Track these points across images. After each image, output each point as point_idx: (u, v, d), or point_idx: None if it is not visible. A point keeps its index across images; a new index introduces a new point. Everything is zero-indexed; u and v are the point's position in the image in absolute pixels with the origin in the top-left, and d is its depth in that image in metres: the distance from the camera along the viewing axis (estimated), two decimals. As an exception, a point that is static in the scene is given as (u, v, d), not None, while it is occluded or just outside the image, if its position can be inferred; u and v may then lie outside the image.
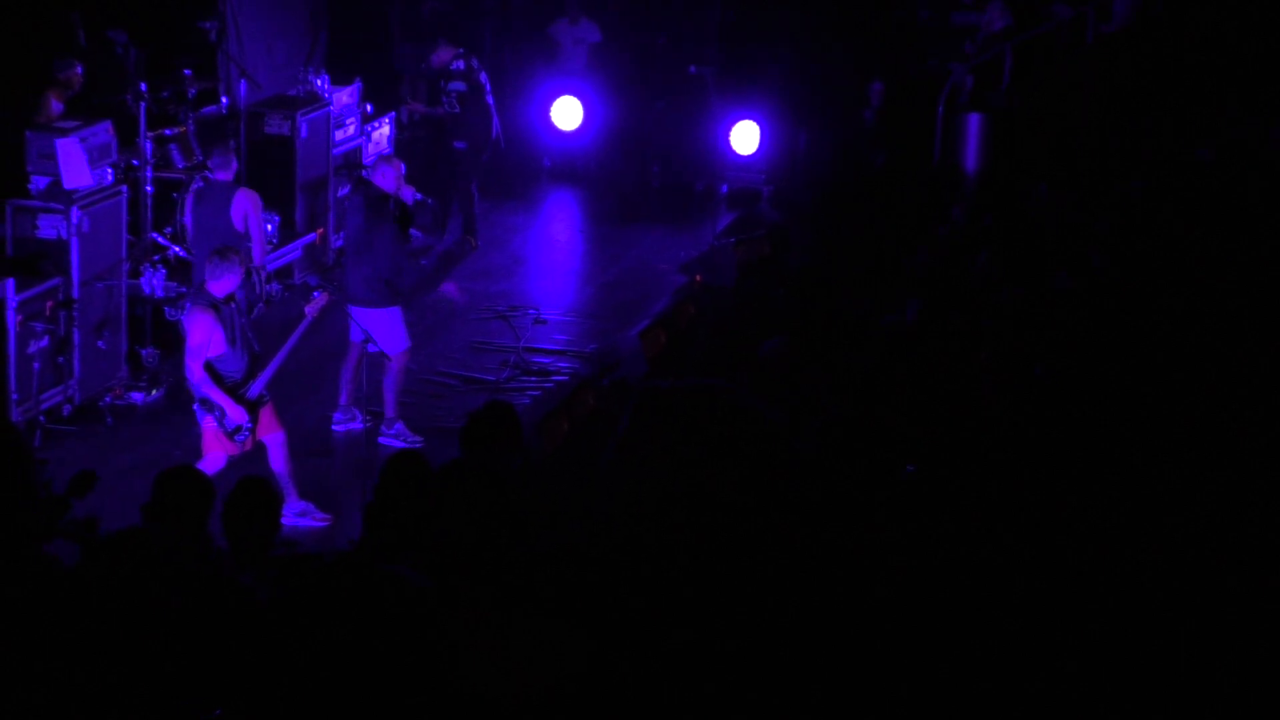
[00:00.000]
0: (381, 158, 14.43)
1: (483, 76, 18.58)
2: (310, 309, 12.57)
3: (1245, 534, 9.84)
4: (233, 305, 12.14)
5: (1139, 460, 10.81)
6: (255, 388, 12.23)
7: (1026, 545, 9.39)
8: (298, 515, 12.40)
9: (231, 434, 12.12)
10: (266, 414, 12.32)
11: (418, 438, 13.68)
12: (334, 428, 14.06)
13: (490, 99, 18.59)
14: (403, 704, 5.85)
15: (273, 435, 12.38)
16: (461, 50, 18.61)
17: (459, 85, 18.55)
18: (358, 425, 13.82)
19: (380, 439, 13.68)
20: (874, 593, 8.18)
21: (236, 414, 12.08)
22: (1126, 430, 11.26)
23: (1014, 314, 13.49)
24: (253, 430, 12.21)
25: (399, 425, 13.83)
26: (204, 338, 11.98)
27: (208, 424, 12.16)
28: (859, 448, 9.50)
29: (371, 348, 13.50)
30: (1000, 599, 8.68)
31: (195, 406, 12.23)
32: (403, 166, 14.01)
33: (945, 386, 11.77)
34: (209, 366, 12.03)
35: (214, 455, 12.16)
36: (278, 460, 12.42)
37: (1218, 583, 9.17)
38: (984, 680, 7.98)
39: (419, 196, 14.16)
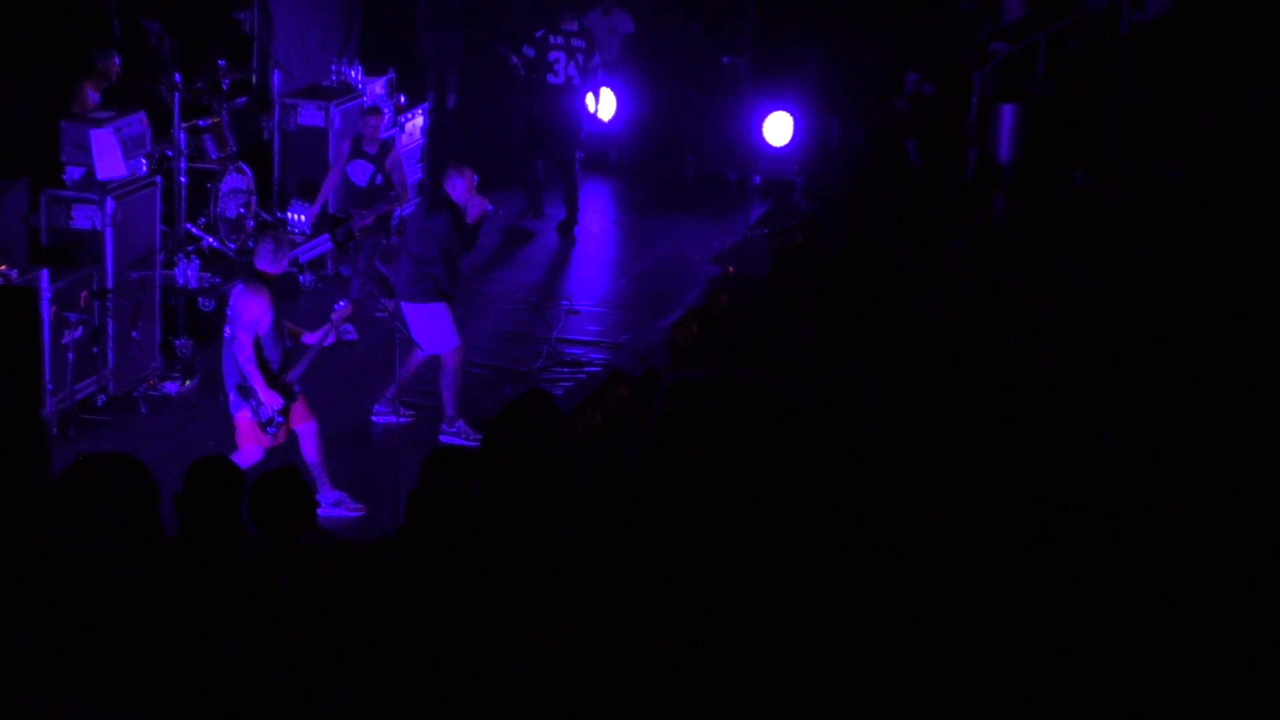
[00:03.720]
0: (453, 165, 14.24)
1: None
2: (335, 316, 12.59)
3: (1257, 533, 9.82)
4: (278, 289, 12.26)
5: (1161, 454, 10.80)
6: (290, 378, 12.26)
7: (1055, 535, 9.39)
8: (331, 505, 12.40)
9: (265, 425, 12.14)
10: (299, 406, 12.35)
11: (479, 435, 13.57)
12: (374, 419, 14.06)
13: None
14: (438, 689, 5.86)
15: (305, 425, 12.41)
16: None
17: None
18: (399, 419, 13.70)
19: (442, 438, 13.63)
20: (897, 579, 8.19)
21: (272, 401, 12.10)
22: (1151, 422, 11.24)
23: (1041, 303, 13.47)
24: (285, 421, 12.24)
25: (460, 424, 13.76)
26: (259, 314, 12.06)
27: (242, 417, 12.19)
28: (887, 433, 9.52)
29: (420, 352, 13.55)
30: (1023, 591, 8.68)
31: (231, 396, 12.25)
32: (475, 177, 13.87)
33: (974, 376, 11.77)
34: (257, 346, 12.08)
35: (250, 449, 12.22)
36: (310, 450, 12.44)
37: (1227, 582, 9.17)
38: (1001, 673, 7.99)
39: (489, 208, 14.05)
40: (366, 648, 6.02)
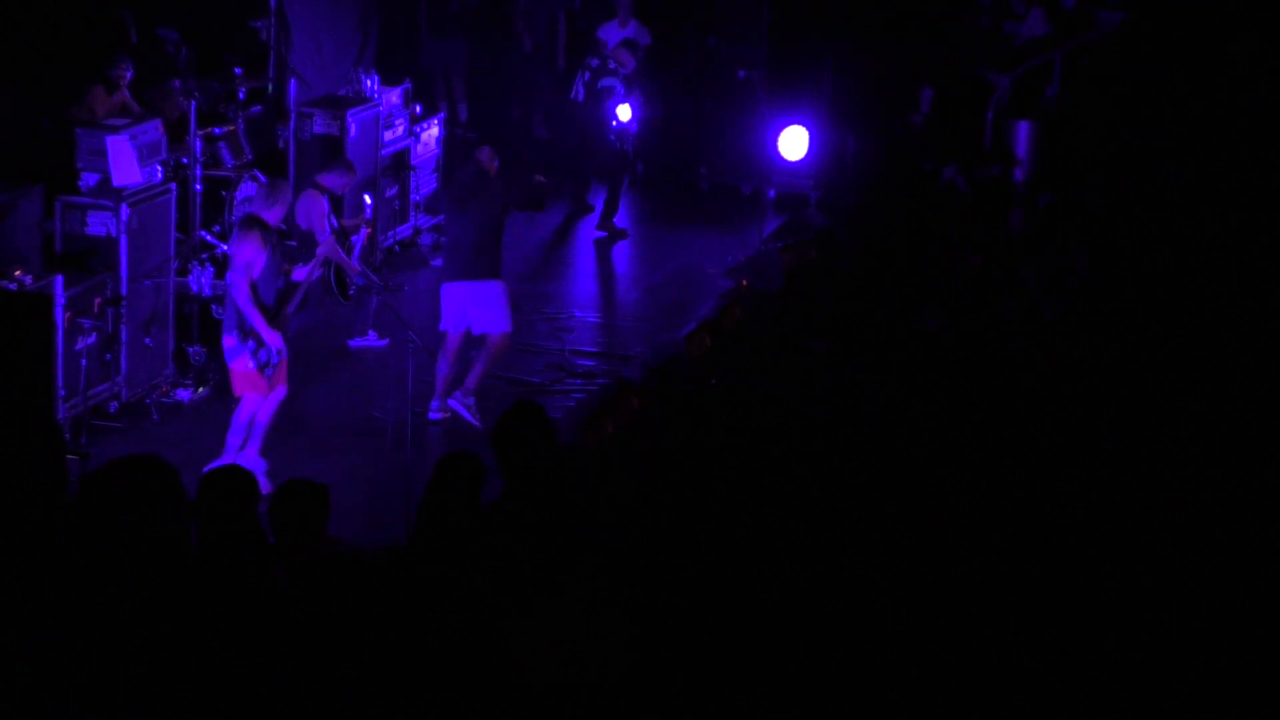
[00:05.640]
0: (476, 151, 14.72)
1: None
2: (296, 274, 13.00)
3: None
4: (274, 238, 12.67)
5: (1161, 454, 10.83)
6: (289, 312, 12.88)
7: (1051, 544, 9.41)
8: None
9: (263, 367, 12.50)
10: (282, 368, 12.77)
11: (478, 423, 13.85)
12: (431, 416, 14.17)
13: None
14: (447, 695, 5.87)
15: (278, 388, 12.79)
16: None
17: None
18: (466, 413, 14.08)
19: (452, 402, 14.02)
20: (899, 582, 8.21)
21: (273, 340, 12.54)
22: (1151, 423, 11.27)
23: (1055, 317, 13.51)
24: (280, 363, 12.66)
25: (473, 400, 14.07)
26: (251, 255, 12.45)
27: (240, 364, 12.56)
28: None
29: (465, 326, 14.03)
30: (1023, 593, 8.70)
31: (230, 342, 12.58)
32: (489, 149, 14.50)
33: (981, 389, 11.80)
34: (253, 288, 12.44)
35: (249, 398, 12.66)
36: (267, 412, 12.77)
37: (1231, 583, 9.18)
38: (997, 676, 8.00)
39: (539, 178, 14.60)
40: (377, 654, 6.03)
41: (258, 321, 12.47)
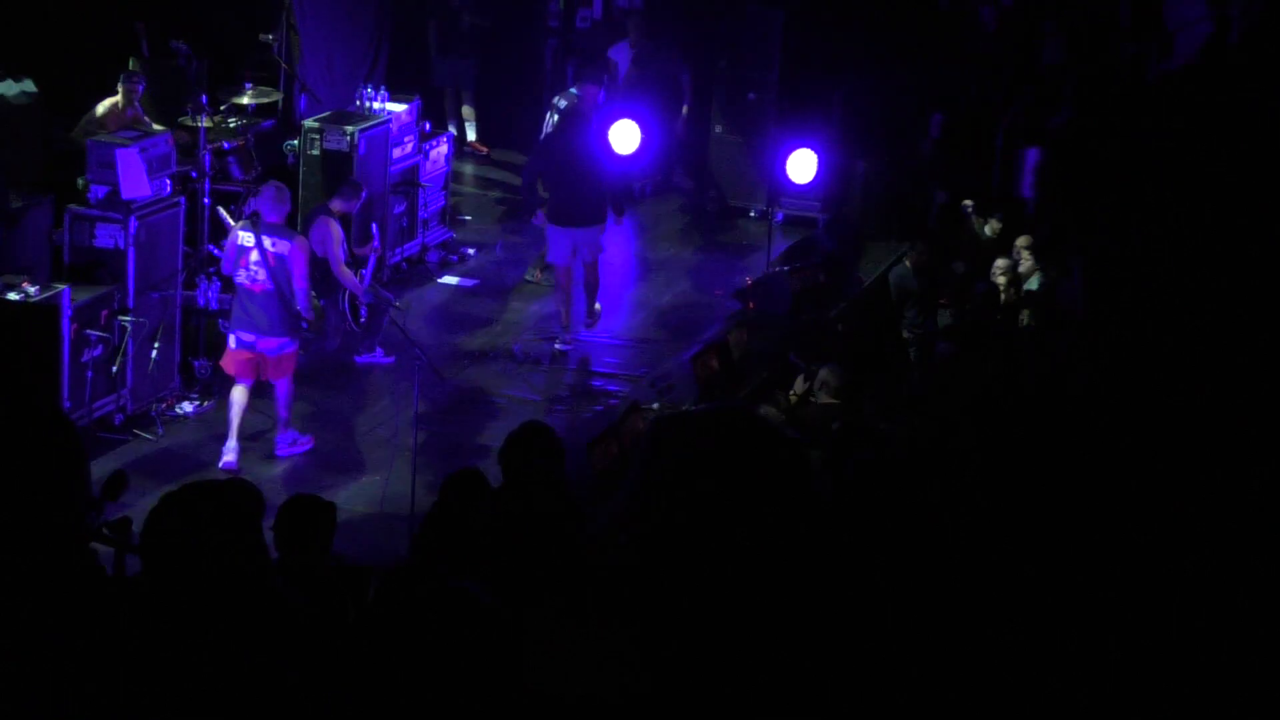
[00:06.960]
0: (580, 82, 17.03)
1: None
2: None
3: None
4: None
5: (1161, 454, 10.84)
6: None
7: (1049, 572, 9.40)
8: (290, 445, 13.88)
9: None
10: None
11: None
12: (560, 346, 16.08)
13: None
14: (451, 711, 5.84)
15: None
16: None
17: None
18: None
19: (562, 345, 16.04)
20: (891, 608, 8.19)
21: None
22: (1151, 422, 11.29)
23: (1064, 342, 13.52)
24: None
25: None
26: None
27: (294, 348, 13.80)
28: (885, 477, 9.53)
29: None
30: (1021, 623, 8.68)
31: (284, 337, 13.68)
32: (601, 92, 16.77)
33: (987, 412, 11.80)
34: None
35: (289, 381, 13.77)
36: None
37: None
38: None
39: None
40: (379, 668, 6.00)
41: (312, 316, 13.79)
